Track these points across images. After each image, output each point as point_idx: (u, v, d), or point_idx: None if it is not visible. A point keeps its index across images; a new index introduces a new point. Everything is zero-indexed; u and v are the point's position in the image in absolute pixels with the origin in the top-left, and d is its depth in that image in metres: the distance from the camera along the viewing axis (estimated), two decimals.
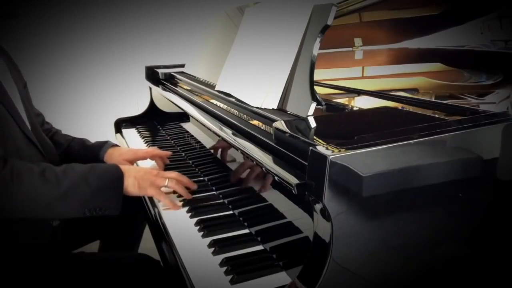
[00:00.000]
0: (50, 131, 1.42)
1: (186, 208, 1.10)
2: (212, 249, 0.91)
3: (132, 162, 1.36)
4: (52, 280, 1.02)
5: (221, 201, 1.14)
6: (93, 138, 1.47)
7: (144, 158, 1.38)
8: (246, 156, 0.92)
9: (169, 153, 1.38)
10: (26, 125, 1.12)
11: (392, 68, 1.75)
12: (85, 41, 2.88)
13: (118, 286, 1.03)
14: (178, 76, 1.76)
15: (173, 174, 1.13)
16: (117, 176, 1.04)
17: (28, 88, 1.29)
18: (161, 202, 1.11)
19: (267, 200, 0.92)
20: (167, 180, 1.09)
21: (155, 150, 1.39)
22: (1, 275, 1.00)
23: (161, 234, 1.04)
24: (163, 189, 1.11)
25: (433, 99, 1.32)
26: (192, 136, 1.46)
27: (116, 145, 1.42)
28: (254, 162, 0.91)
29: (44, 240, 1.12)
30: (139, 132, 1.88)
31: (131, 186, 1.05)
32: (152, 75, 1.97)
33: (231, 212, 1.08)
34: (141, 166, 1.09)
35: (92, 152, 1.38)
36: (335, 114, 0.98)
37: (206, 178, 1.27)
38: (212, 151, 1.25)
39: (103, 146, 1.38)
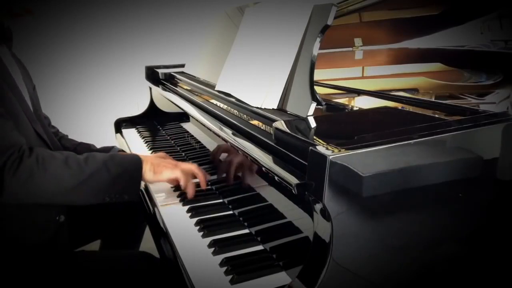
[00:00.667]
0: (56, 135, 1.44)
1: (186, 208, 1.10)
2: (212, 249, 0.91)
3: None
4: (52, 278, 1.03)
5: (221, 201, 1.14)
6: (93, 138, 1.47)
7: None
8: (246, 156, 0.92)
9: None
10: (38, 124, 1.14)
11: (392, 68, 1.75)
12: (85, 41, 2.88)
13: (119, 284, 1.04)
14: (178, 76, 1.76)
15: (191, 166, 1.14)
16: (136, 163, 1.09)
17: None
18: (180, 180, 1.12)
19: (267, 200, 0.92)
20: (180, 177, 1.11)
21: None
22: (2, 271, 1.01)
23: (161, 234, 1.04)
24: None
25: (433, 99, 1.32)
26: (192, 136, 1.46)
27: (123, 151, 1.43)
28: (253, 161, 0.91)
29: (49, 235, 1.12)
30: (139, 132, 1.88)
31: (148, 171, 1.09)
32: (152, 75, 1.97)
33: (231, 212, 1.08)
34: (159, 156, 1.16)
35: None
36: (335, 114, 0.98)
37: None
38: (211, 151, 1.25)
39: (110, 150, 1.40)
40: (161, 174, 1.10)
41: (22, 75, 1.22)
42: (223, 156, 1.16)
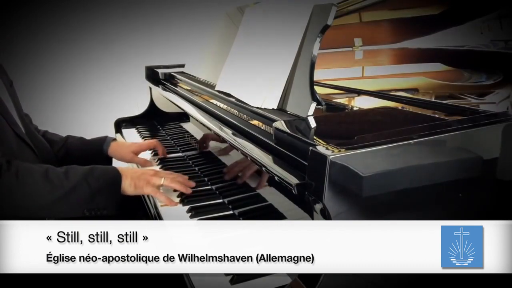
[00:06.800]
0: (38, 131, 1.42)
1: (186, 208, 1.10)
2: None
3: (137, 154, 1.41)
4: (51, 277, 1.02)
5: (221, 200, 1.14)
6: None
7: (147, 148, 1.44)
8: (246, 156, 0.92)
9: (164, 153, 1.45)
10: (18, 126, 1.13)
11: (392, 68, 1.75)
12: (85, 41, 2.87)
13: (118, 282, 1.04)
14: (178, 76, 1.76)
15: (170, 175, 1.14)
16: (115, 177, 1.07)
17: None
18: (158, 199, 1.12)
19: (267, 200, 0.92)
20: (163, 179, 1.11)
21: (155, 142, 1.46)
22: None
23: None
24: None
25: (433, 99, 1.32)
26: (192, 136, 1.46)
27: (115, 139, 1.45)
28: (254, 161, 0.91)
29: None
30: (139, 132, 1.88)
31: (128, 186, 1.08)
32: (152, 75, 1.97)
33: (231, 212, 1.08)
34: (139, 168, 1.15)
35: (94, 146, 1.40)
36: (335, 114, 0.98)
37: (206, 178, 1.27)
38: (213, 152, 1.26)
39: (105, 140, 1.41)
40: (142, 190, 1.09)
41: None
42: (212, 144, 1.16)
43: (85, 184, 1.02)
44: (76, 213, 1.02)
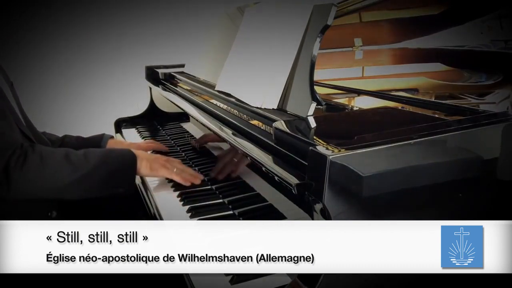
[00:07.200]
0: None
1: (186, 208, 1.10)
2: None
3: None
4: (51, 277, 1.02)
5: (221, 200, 1.14)
6: None
7: (146, 150, 1.45)
8: (246, 155, 0.93)
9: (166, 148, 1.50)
10: (22, 124, 1.15)
11: (392, 68, 1.75)
12: (85, 41, 2.87)
13: (118, 282, 1.04)
14: (178, 76, 1.76)
15: (180, 164, 1.19)
16: (131, 158, 1.13)
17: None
18: (175, 179, 1.17)
19: (267, 200, 0.92)
20: (175, 168, 1.16)
21: (154, 143, 1.51)
22: None
23: None
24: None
25: (433, 99, 1.32)
26: (192, 136, 1.46)
27: (112, 137, 1.47)
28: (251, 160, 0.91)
29: None
30: (139, 132, 1.88)
31: (144, 167, 1.13)
32: (152, 75, 1.97)
33: (231, 212, 1.08)
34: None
35: (92, 144, 1.40)
36: (335, 114, 0.98)
37: (206, 178, 1.27)
38: (213, 152, 1.26)
39: (102, 137, 1.43)
40: (157, 171, 1.15)
41: (1, 73, 1.22)
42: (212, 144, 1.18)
43: (103, 165, 1.06)
44: (95, 193, 1.06)
